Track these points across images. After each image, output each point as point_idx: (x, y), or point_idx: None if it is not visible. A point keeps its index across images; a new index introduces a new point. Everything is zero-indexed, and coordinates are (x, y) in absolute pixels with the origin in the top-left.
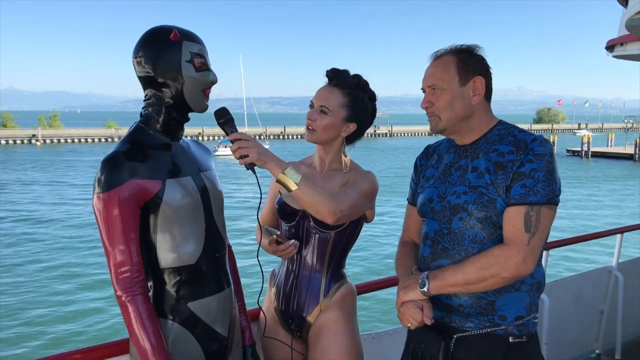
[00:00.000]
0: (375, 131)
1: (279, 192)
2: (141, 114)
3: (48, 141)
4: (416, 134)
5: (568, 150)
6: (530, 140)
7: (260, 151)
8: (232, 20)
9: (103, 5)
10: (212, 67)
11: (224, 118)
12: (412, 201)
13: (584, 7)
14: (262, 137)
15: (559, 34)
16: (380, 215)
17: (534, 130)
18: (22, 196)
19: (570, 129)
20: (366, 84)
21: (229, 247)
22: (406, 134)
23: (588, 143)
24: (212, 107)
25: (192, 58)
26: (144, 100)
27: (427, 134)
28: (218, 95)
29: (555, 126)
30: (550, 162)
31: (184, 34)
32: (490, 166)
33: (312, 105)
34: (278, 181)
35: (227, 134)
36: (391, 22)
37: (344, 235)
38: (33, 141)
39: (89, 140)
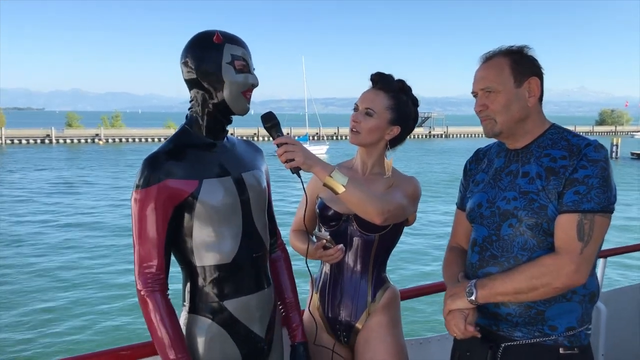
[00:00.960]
0: (430, 132)
1: (318, 196)
2: (187, 115)
3: (110, 140)
4: (472, 135)
5: (633, 154)
6: (584, 145)
7: (305, 155)
8: (291, 21)
9: (164, 10)
10: (266, 68)
11: (270, 122)
12: (460, 206)
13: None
14: (321, 138)
15: (623, 34)
16: (429, 220)
17: (596, 132)
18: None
19: (636, 131)
20: (409, 88)
21: (282, 245)
22: (462, 135)
23: None
24: (268, 109)
25: (232, 60)
26: (190, 102)
27: (482, 135)
28: (271, 97)
29: (619, 128)
30: (605, 169)
31: (227, 37)
32: (542, 171)
33: (356, 108)
34: (325, 184)
35: (274, 138)
36: (447, 23)
37: (388, 237)
38: (96, 140)
39: (149, 139)
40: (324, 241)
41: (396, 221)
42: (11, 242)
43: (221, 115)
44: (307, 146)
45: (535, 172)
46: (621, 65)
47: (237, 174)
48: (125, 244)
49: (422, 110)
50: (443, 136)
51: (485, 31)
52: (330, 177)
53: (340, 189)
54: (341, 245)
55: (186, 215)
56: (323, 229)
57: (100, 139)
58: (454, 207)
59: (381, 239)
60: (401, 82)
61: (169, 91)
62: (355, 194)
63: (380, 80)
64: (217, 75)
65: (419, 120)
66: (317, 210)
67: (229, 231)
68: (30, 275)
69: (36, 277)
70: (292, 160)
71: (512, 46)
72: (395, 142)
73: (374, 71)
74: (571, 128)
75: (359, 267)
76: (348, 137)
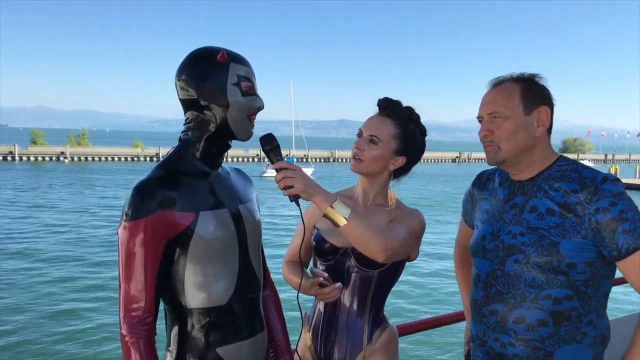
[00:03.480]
0: None
1: (315, 227)
2: (180, 138)
3: (76, 159)
4: (440, 160)
5: None
6: (600, 180)
7: (306, 182)
8: (279, 47)
9: (133, 29)
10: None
11: (270, 145)
12: (465, 216)
13: (604, 38)
14: (306, 160)
15: (585, 66)
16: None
17: None
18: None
19: (597, 159)
20: (418, 117)
21: (271, 283)
22: (430, 160)
23: (615, 174)
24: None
25: (238, 81)
26: (185, 124)
27: (450, 160)
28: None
29: (582, 156)
30: (630, 199)
31: (232, 56)
32: (554, 207)
33: (360, 134)
34: (325, 215)
35: (272, 162)
36: (417, 50)
37: (388, 274)
38: (61, 158)
39: (116, 159)
40: (321, 279)
41: (400, 258)
42: None
43: (221, 140)
44: None
45: (545, 207)
46: (582, 95)
47: (234, 207)
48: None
49: None
50: None
51: (447, 60)
52: (332, 207)
53: (342, 222)
54: (339, 284)
55: (178, 252)
56: (318, 263)
57: (65, 157)
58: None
59: (380, 276)
60: (409, 110)
61: (138, 110)
62: (357, 228)
63: (388, 107)
64: (221, 97)
65: None
66: (313, 242)
67: (224, 270)
68: None
69: None
70: (292, 187)
71: (524, 73)
72: (399, 172)
73: (381, 96)
74: None
75: (355, 305)
76: (350, 165)
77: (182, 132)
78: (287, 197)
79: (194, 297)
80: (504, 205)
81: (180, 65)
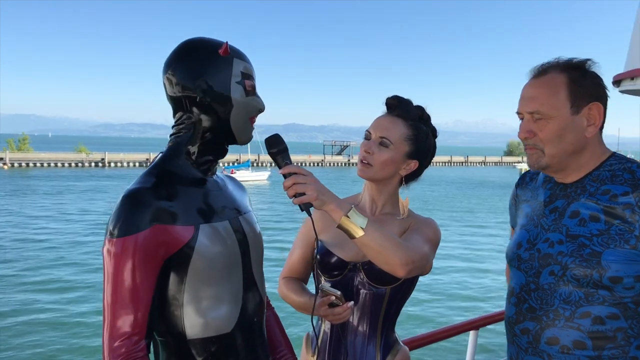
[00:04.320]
0: (349, 160)
1: (317, 239)
2: (170, 141)
3: (16, 165)
4: None
5: None
6: None
7: (319, 190)
8: None
9: (77, 29)
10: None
11: (277, 147)
12: (513, 223)
13: (550, 43)
14: (259, 164)
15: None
16: None
17: (504, 162)
18: None
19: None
20: (429, 117)
21: (269, 302)
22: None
23: None
24: None
25: (242, 79)
26: (174, 126)
27: None
28: None
29: (526, 159)
30: None
31: (234, 51)
32: (599, 212)
33: (368, 136)
34: (340, 226)
35: (280, 167)
36: (361, 58)
37: (400, 290)
38: (1, 164)
39: (59, 164)
40: (333, 298)
41: (418, 273)
42: None
43: (219, 144)
44: (249, 172)
45: (588, 212)
46: None
47: (235, 219)
48: None
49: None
50: None
51: (394, 62)
52: (347, 217)
53: (358, 233)
54: (351, 303)
55: (176, 273)
56: (322, 279)
57: (5, 163)
58: None
59: (393, 293)
60: (421, 110)
61: (81, 113)
62: (376, 240)
63: (400, 106)
64: (224, 96)
65: (339, 148)
66: (317, 257)
67: (228, 291)
68: None
69: None
70: (303, 194)
71: (573, 59)
72: (409, 178)
73: (390, 94)
74: (481, 158)
75: (366, 325)
76: (357, 170)
77: (171, 135)
78: (298, 206)
79: (195, 325)
80: (544, 209)
81: (172, 56)
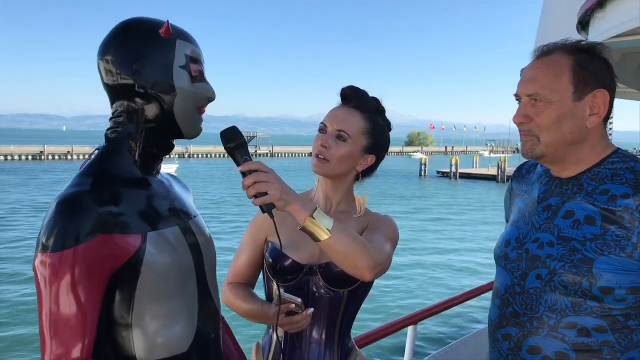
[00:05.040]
0: (256, 151)
1: (267, 240)
2: (107, 136)
3: None
4: (297, 154)
5: (438, 172)
6: None
7: (283, 189)
8: None
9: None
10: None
11: (235, 141)
12: (507, 220)
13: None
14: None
15: (427, 63)
16: None
17: (405, 152)
18: None
19: (439, 152)
20: (384, 110)
21: (222, 318)
22: (287, 155)
23: (456, 165)
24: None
25: (187, 63)
26: (112, 118)
27: (307, 154)
28: (84, 112)
29: (425, 149)
30: None
31: (177, 31)
32: (596, 215)
33: (323, 129)
34: (303, 229)
35: (239, 164)
36: (274, 50)
37: (359, 293)
38: None
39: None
40: (293, 306)
41: (382, 275)
42: None
43: (162, 137)
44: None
45: (584, 214)
46: (424, 91)
47: (185, 223)
48: None
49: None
50: (269, 155)
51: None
52: (313, 219)
53: (324, 236)
54: (311, 310)
55: (121, 289)
56: (275, 284)
57: None
58: None
59: (351, 296)
60: (377, 102)
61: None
62: (343, 243)
63: (356, 98)
64: (166, 83)
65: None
66: (270, 260)
67: (183, 305)
68: None
69: None
70: (265, 194)
71: (582, 41)
72: (365, 174)
73: (345, 85)
74: None
75: (323, 332)
76: (313, 166)
77: (109, 129)
78: (260, 208)
79: (147, 347)
80: (537, 206)
81: (106, 40)
